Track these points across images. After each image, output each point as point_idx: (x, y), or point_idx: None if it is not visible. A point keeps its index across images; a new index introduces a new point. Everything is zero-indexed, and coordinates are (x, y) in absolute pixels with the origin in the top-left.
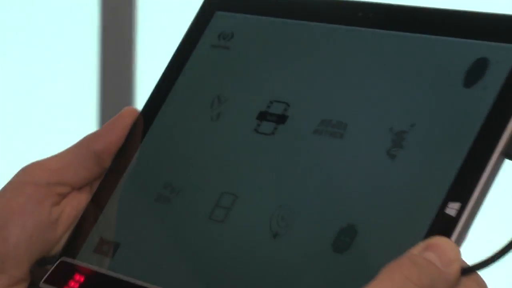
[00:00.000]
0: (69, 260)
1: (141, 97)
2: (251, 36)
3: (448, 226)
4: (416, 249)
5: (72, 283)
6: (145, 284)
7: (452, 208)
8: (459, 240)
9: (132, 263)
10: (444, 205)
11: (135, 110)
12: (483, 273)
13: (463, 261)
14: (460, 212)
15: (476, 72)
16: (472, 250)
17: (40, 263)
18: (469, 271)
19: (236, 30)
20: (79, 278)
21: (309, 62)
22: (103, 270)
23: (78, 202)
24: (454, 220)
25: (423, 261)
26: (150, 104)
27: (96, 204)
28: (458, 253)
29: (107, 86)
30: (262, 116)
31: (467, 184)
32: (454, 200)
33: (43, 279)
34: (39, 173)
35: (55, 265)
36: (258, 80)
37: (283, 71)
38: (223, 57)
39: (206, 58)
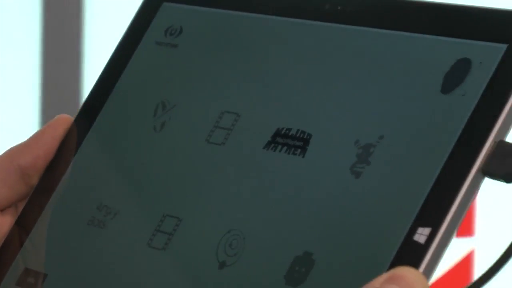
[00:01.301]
0: None
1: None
2: (202, 31)
3: (416, 255)
4: (378, 281)
5: None
6: None
7: (421, 234)
8: (429, 271)
9: None
10: (412, 230)
11: (69, 118)
12: None
13: None
14: (430, 238)
15: (455, 75)
16: None
17: None
18: None
19: (185, 25)
20: None
21: (266, 63)
22: None
23: (0, 226)
24: (423, 248)
25: None
26: (86, 110)
27: (21, 228)
28: (426, 286)
29: (50, 80)
30: (213, 128)
31: (440, 207)
32: (424, 225)
33: None
34: None
35: None
36: (208, 85)
37: (236, 74)
38: (169, 56)
39: (150, 57)
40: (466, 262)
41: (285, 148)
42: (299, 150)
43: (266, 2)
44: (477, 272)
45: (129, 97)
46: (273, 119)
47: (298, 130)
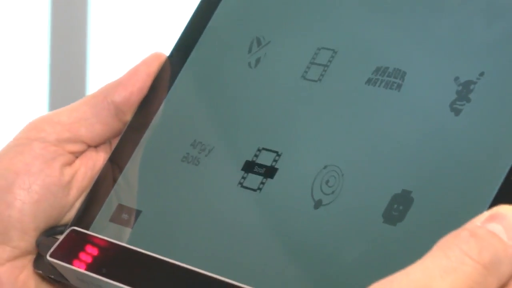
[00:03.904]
0: (81, 230)
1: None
2: None
3: None
4: (479, 220)
5: (83, 256)
6: (169, 260)
7: None
8: None
9: (154, 234)
10: None
11: (162, 55)
12: None
13: None
14: None
15: None
16: None
17: (49, 233)
18: None
19: None
20: (92, 250)
21: (362, 1)
22: (120, 242)
23: (94, 162)
24: None
25: (486, 233)
26: (180, 47)
27: (115, 164)
28: None
29: (58, 70)
30: (309, 64)
31: None
32: None
33: (49, 252)
34: (48, 128)
35: (64, 235)
36: (303, 21)
37: (332, 11)
38: None
39: None
40: None
41: (383, 84)
42: (398, 87)
43: None
44: None
45: (223, 33)
46: (371, 57)
47: (395, 68)
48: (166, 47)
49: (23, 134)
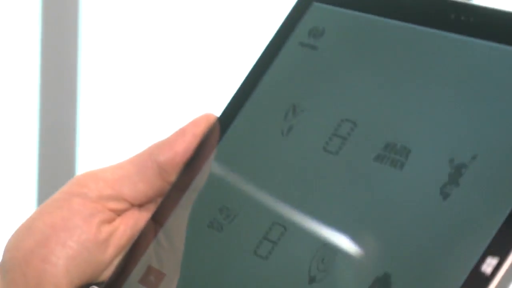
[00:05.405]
0: None
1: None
2: (342, 35)
3: (481, 285)
4: None
5: None
6: None
7: (488, 264)
8: None
9: None
10: (481, 260)
11: (212, 116)
12: None
13: None
14: (496, 269)
15: None
16: None
17: None
18: None
19: (328, 26)
20: None
21: (390, 73)
22: None
23: (135, 221)
24: (487, 280)
25: None
26: (228, 108)
27: (155, 225)
28: None
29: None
30: (331, 136)
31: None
32: (492, 255)
33: None
34: (91, 184)
35: None
36: (336, 91)
37: (362, 82)
38: (307, 58)
39: (291, 58)
40: None
41: (389, 162)
42: (401, 166)
43: (413, 10)
44: None
45: (267, 98)
46: (385, 131)
47: (402, 145)
48: (161, 47)
49: (67, 188)
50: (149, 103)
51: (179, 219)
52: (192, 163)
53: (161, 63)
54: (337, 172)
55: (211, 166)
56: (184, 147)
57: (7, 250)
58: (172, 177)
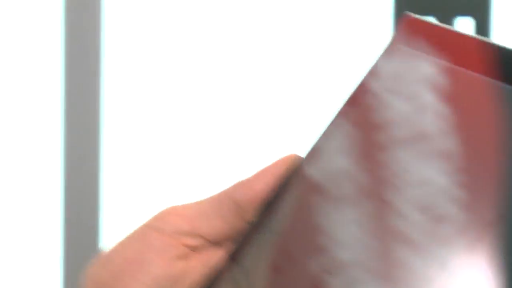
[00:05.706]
0: None
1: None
2: None
3: None
4: None
5: None
6: None
7: None
8: None
9: None
10: None
11: (295, 157)
12: None
13: None
14: None
15: None
16: None
17: None
18: None
19: None
20: None
21: None
22: None
23: (210, 258)
24: None
25: None
26: (313, 149)
27: (230, 263)
28: None
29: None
30: None
31: None
32: None
33: None
34: (170, 219)
35: None
36: None
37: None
38: None
39: None
40: None
41: None
42: None
43: None
44: None
45: None
46: None
47: None
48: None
49: (148, 222)
50: (174, 105)
51: (260, 260)
52: (270, 203)
53: (184, 69)
54: None
55: (293, 208)
56: (262, 187)
57: (86, 279)
58: (250, 216)
